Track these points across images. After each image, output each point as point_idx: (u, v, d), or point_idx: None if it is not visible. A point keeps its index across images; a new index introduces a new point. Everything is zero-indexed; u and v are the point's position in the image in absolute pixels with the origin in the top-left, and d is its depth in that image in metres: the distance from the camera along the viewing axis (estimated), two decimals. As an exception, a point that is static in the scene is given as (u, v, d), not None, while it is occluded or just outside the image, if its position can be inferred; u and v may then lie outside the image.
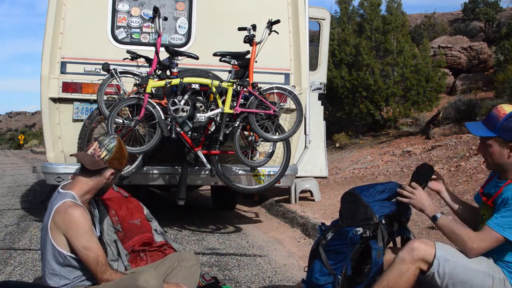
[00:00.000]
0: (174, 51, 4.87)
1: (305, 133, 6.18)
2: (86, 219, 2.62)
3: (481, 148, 2.62)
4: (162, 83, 4.69)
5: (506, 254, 2.47)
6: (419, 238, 2.60)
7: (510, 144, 2.50)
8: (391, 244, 2.96)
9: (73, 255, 2.62)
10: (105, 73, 4.75)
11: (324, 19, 7.06)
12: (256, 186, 5.27)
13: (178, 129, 4.73)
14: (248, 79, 4.83)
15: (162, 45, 4.87)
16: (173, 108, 4.65)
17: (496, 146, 2.52)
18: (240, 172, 5.28)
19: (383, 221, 2.73)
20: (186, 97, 4.69)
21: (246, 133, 5.07)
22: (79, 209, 2.62)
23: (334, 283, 2.76)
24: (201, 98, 4.83)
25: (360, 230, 2.72)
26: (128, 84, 4.87)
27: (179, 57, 4.90)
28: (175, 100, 4.66)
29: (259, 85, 4.88)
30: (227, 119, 4.82)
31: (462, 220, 2.80)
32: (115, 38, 5.25)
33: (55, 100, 5.12)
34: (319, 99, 6.93)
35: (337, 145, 12.56)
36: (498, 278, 2.42)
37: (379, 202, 2.76)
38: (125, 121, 4.70)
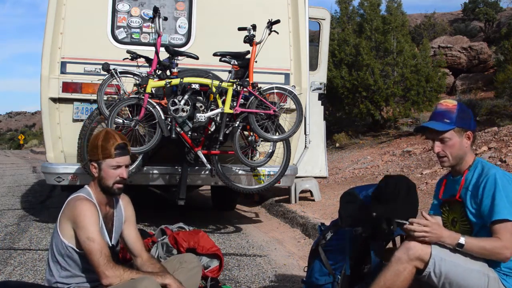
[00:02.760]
0: (174, 51, 4.87)
1: (305, 133, 6.18)
2: (93, 214, 2.61)
3: (439, 145, 2.59)
4: (162, 83, 4.69)
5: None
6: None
7: (467, 133, 2.56)
8: (390, 244, 2.96)
9: (74, 247, 2.63)
10: (105, 73, 4.74)
11: (324, 19, 7.06)
12: (256, 186, 5.27)
13: (178, 129, 4.73)
14: (248, 79, 4.83)
15: (162, 45, 4.87)
16: (173, 108, 4.65)
17: (455, 137, 2.55)
18: (240, 172, 5.28)
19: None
20: (186, 97, 4.69)
21: (246, 133, 5.07)
22: (88, 204, 2.63)
23: (333, 283, 2.76)
24: (201, 98, 4.83)
25: (359, 229, 2.72)
26: (128, 84, 4.87)
27: (179, 57, 4.90)
28: (175, 100, 4.66)
29: (259, 85, 4.88)
30: (227, 119, 4.82)
31: None
32: (115, 38, 5.25)
33: (55, 100, 5.12)
34: (319, 99, 6.93)
35: (337, 145, 12.56)
36: (493, 277, 2.43)
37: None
38: (125, 121, 4.70)
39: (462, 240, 2.40)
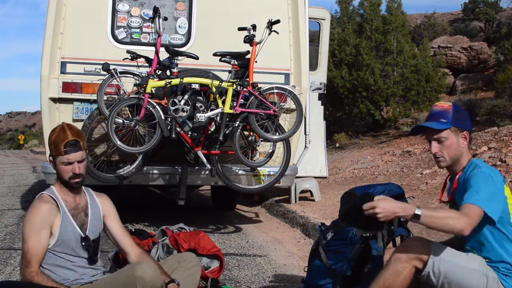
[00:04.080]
0: (174, 51, 4.87)
1: (305, 133, 6.18)
2: (41, 215, 2.65)
3: (435, 147, 2.60)
4: (162, 83, 4.69)
5: (488, 251, 2.48)
6: (415, 236, 2.59)
7: (463, 133, 2.57)
8: (391, 245, 2.96)
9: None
10: (105, 73, 4.74)
11: (324, 19, 7.06)
12: (256, 186, 5.27)
13: (178, 129, 4.73)
14: (248, 79, 4.83)
15: (162, 45, 4.86)
16: (173, 108, 4.65)
17: (452, 137, 2.56)
18: (240, 172, 5.28)
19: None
20: (186, 97, 4.69)
21: (246, 133, 5.07)
22: (42, 205, 2.68)
23: (334, 283, 2.76)
24: (201, 98, 4.83)
25: (360, 230, 2.72)
26: (128, 84, 4.87)
27: (179, 57, 4.90)
28: (175, 100, 4.66)
29: (259, 85, 4.88)
30: (227, 119, 4.82)
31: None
32: (115, 38, 5.25)
33: (55, 100, 5.12)
34: (319, 99, 6.93)
35: (337, 145, 12.56)
36: (492, 277, 2.43)
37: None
38: (125, 121, 4.70)
39: (418, 211, 2.32)
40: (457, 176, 2.58)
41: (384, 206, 2.35)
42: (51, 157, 2.77)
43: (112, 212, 2.96)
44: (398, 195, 2.87)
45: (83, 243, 2.76)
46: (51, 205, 2.70)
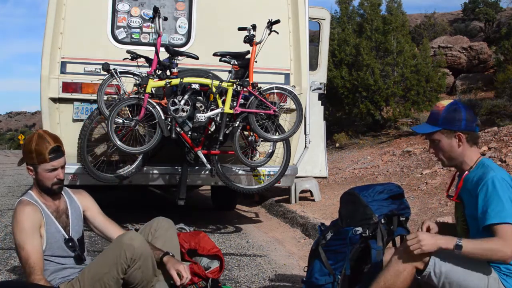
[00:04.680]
0: (174, 51, 4.87)
1: (305, 133, 6.17)
2: (29, 218, 2.66)
3: (431, 146, 2.63)
4: (162, 83, 4.69)
5: None
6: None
7: (457, 134, 2.54)
8: (390, 244, 2.96)
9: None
10: (105, 73, 4.74)
11: (324, 19, 7.06)
12: (256, 186, 5.27)
13: (178, 129, 4.73)
14: (248, 79, 4.83)
15: (162, 45, 4.86)
16: (173, 108, 4.65)
17: (444, 139, 2.55)
18: (240, 172, 5.28)
19: (383, 221, 2.74)
20: (186, 97, 4.69)
21: (246, 133, 5.07)
22: (26, 207, 2.69)
23: (333, 283, 2.76)
24: (201, 98, 4.83)
25: (359, 229, 2.72)
26: (128, 84, 4.87)
27: (179, 57, 4.90)
28: (175, 100, 4.66)
29: (259, 85, 4.88)
30: (227, 119, 4.81)
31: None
32: (115, 38, 5.25)
33: (55, 100, 5.12)
34: (319, 99, 6.93)
35: (337, 145, 12.56)
36: (493, 278, 2.43)
37: (378, 201, 2.77)
38: (125, 121, 4.69)
39: (459, 242, 2.33)
40: (463, 175, 2.56)
41: (426, 239, 2.36)
42: (29, 166, 2.76)
43: (91, 205, 2.99)
44: (398, 195, 2.87)
45: (69, 244, 2.79)
46: (35, 207, 2.72)
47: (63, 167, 2.79)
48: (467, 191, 2.52)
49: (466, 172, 2.56)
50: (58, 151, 2.76)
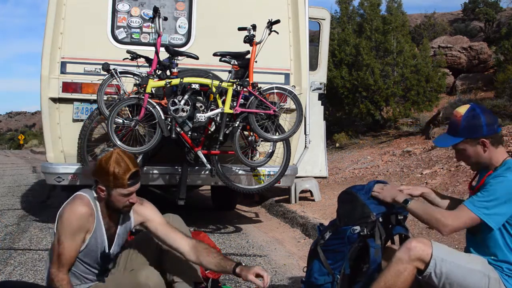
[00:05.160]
0: (174, 51, 4.87)
1: (305, 133, 6.18)
2: (80, 220, 2.58)
3: (457, 155, 2.67)
4: (162, 83, 4.69)
5: (497, 251, 2.48)
6: (417, 237, 2.60)
7: (481, 140, 2.54)
8: (389, 244, 2.96)
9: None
10: (105, 73, 4.74)
11: (324, 19, 7.06)
12: (256, 186, 5.27)
13: (178, 129, 4.73)
14: (248, 79, 4.83)
15: (162, 45, 4.86)
16: (173, 108, 4.65)
17: (469, 147, 2.57)
18: (240, 172, 5.28)
19: (380, 219, 2.74)
20: (186, 97, 4.69)
21: (246, 133, 5.07)
22: (84, 208, 2.60)
23: (333, 283, 2.76)
24: (201, 98, 4.83)
25: (357, 228, 2.72)
26: (128, 84, 4.87)
27: (179, 57, 4.90)
28: (175, 100, 4.66)
29: (259, 85, 4.88)
30: (227, 119, 4.81)
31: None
32: (115, 38, 5.25)
33: (55, 100, 5.12)
34: (319, 99, 6.93)
35: (337, 145, 12.56)
36: (493, 278, 2.43)
37: (376, 200, 2.77)
38: (125, 121, 4.69)
39: (409, 198, 2.61)
40: (486, 174, 2.58)
41: (388, 189, 2.74)
42: (101, 186, 2.63)
43: (152, 216, 2.86)
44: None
45: (104, 258, 2.73)
46: (91, 211, 2.63)
47: (137, 191, 2.67)
48: (484, 185, 2.53)
49: (491, 171, 2.57)
50: (137, 175, 2.65)
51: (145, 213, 2.86)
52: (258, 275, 2.72)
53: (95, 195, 2.70)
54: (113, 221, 2.76)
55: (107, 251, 2.72)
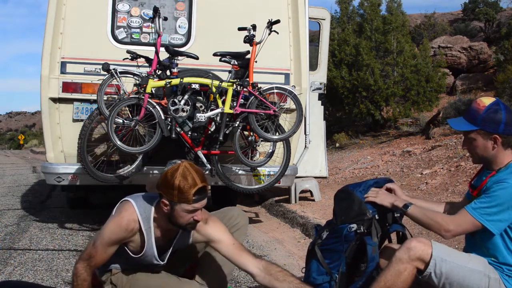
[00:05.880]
0: (174, 51, 4.87)
1: (305, 133, 6.18)
2: (122, 233, 2.53)
3: (465, 142, 2.64)
4: (162, 83, 4.69)
5: (497, 253, 2.48)
6: (417, 237, 2.60)
7: (493, 136, 2.53)
8: (388, 243, 2.95)
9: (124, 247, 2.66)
10: (105, 73, 4.74)
11: (324, 19, 7.06)
12: (256, 186, 5.27)
13: (178, 129, 4.73)
14: (248, 79, 4.83)
15: (162, 45, 4.86)
16: (173, 108, 4.65)
17: (480, 139, 2.55)
18: (240, 172, 5.28)
19: (377, 217, 2.74)
20: (186, 97, 4.69)
21: (246, 133, 5.07)
22: (131, 224, 2.53)
23: (331, 282, 2.76)
24: (201, 98, 4.83)
25: (354, 226, 2.73)
26: (128, 84, 4.87)
27: (179, 57, 4.90)
28: (175, 100, 4.66)
29: (259, 85, 4.88)
30: (227, 119, 4.82)
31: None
32: (115, 38, 5.25)
33: (55, 100, 5.12)
34: (319, 99, 6.93)
35: (337, 145, 12.56)
36: (494, 278, 2.43)
37: (372, 204, 2.77)
38: (125, 121, 4.69)
39: (409, 203, 2.61)
40: (489, 175, 2.56)
41: (385, 194, 2.74)
42: (165, 200, 2.49)
43: (216, 237, 2.69)
44: (391, 189, 2.88)
45: (155, 266, 2.71)
46: (135, 230, 2.56)
47: (203, 208, 2.55)
48: (486, 188, 2.52)
49: (494, 172, 2.56)
50: (204, 191, 2.51)
51: (209, 233, 2.70)
52: None
53: (153, 208, 2.58)
54: (169, 235, 2.66)
55: (161, 263, 2.67)
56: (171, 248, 2.70)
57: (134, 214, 2.56)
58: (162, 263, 2.70)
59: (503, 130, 2.51)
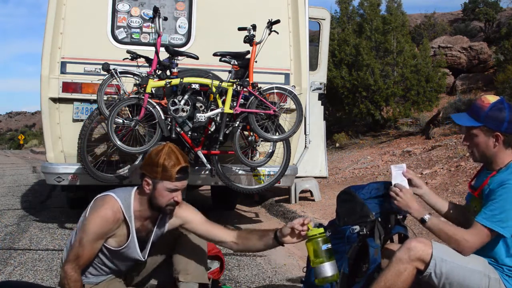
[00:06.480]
0: (174, 51, 4.87)
1: (305, 133, 6.18)
2: (105, 226, 2.54)
3: (467, 139, 2.63)
4: (162, 83, 4.69)
5: (496, 255, 2.48)
6: (417, 237, 2.59)
7: (496, 134, 2.52)
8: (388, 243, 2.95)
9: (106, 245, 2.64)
10: (105, 73, 4.74)
11: (324, 19, 7.06)
12: (256, 186, 5.27)
13: (178, 129, 4.73)
14: (248, 79, 4.83)
15: (162, 45, 4.86)
16: (173, 108, 4.65)
17: (482, 135, 2.55)
18: (240, 172, 5.28)
19: (380, 219, 2.73)
20: (186, 97, 4.69)
21: (246, 133, 5.07)
22: (111, 215, 2.55)
23: (332, 282, 2.76)
24: (201, 98, 4.83)
25: (357, 228, 2.72)
26: (128, 84, 4.87)
27: (179, 57, 4.90)
28: (175, 100, 4.66)
29: (259, 85, 4.88)
30: (227, 119, 4.81)
31: (453, 222, 2.78)
32: (115, 38, 5.25)
33: (55, 100, 5.12)
34: (319, 99, 6.93)
35: (337, 145, 12.56)
36: (494, 278, 2.43)
37: (375, 199, 2.77)
38: (125, 121, 4.69)
39: (426, 217, 2.52)
40: (490, 175, 2.56)
41: (406, 199, 2.61)
42: (147, 179, 2.58)
43: (191, 218, 2.80)
44: None
45: (134, 263, 2.71)
46: (119, 216, 2.58)
47: (184, 189, 2.63)
48: (490, 190, 2.51)
49: (494, 172, 2.55)
50: (186, 172, 2.60)
51: (184, 215, 2.79)
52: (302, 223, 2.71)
53: (132, 195, 2.64)
54: (147, 226, 2.70)
55: (137, 257, 2.68)
56: (150, 240, 2.72)
57: (116, 204, 2.60)
58: (143, 259, 2.70)
59: (506, 128, 2.52)
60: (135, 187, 2.69)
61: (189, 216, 2.80)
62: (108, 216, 2.55)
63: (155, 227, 2.74)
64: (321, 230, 2.61)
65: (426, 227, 2.54)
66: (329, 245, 2.57)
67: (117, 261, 2.70)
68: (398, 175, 2.72)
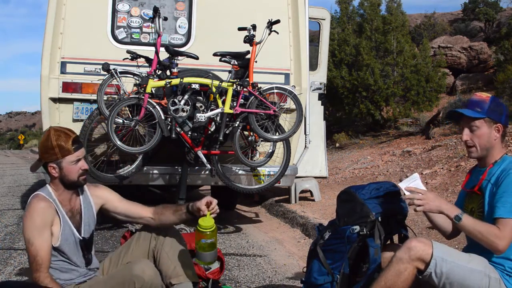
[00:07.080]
0: (174, 51, 4.87)
1: (305, 133, 6.18)
2: (41, 215, 2.61)
3: (466, 134, 2.62)
4: (162, 83, 4.69)
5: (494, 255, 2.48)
6: (417, 237, 2.59)
7: (497, 125, 2.58)
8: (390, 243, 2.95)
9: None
10: (105, 73, 4.74)
11: (324, 19, 7.06)
12: (256, 186, 5.27)
13: (178, 129, 4.73)
14: (248, 79, 4.83)
15: (162, 45, 4.86)
16: (173, 108, 4.65)
17: (485, 127, 2.58)
18: (240, 172, 5.28)
19: (380, 219, 2.73)
20: (186, 97, 4.69)
21: (246, 133, 5.07)
22: (40, 203, 2.64)
23: (332, 283, 2.76)
24: (201, 98, 4.83)
25: (357, 228, 2.72)
26: (128, 84, 4.87)
27: (179, 57, 4.90)
28: (175, 100, 4.66)
29: (259, 85, 4.88)
30: (227, 119, 4.81)
31: (446, 232, 2.80)
32: (115, 38, 5.25)
33: (55, 100, 5.12)
34: (319, 99, 6.93)
35: (337, 145, 12.57)
36: (494, 278, 2.43)
37: (375, 199, 2.77)
38: (125, 121, 4.70)
39: (461, 214, 2.43)
40: (487, 168, 2.58)
41: (433, 200, 2.45)
42: (51, 164, 2.72)
43: (108, 197, 2.95)
44: (394, 192, 2.87)
45: (81, 245, 2.75)
46: (49, 204, 2.67)
47: (85, 157, 2.78)
48: (490, 184, 2.53)
49: (491, 165, 2.59)
50: (79, 141, 2.76)
51: (103, 195, 2.94)
52: (207, 204, 2.85)
53: (47, 185, 2.77)
54: (75, 208, 2.79)
55: (80, 237, 2.75)
56: (83, 221, 2.80)
57: (41, 195, 2.71)
58: (80, 237, 2.75)
59: (504, 121, 2.60)
60: (48, 181, 2.84)
61: (108, 196, 2.95)
62: (41, 205, 2.64)
63: (82, 207, 2.83)
64: (211, 224, 2.76)
65: (459, 225, 2.46)
66: (210, 241, 2.74)
67: (68, 251, 2.72)
68: (414, 184, 2.63)
